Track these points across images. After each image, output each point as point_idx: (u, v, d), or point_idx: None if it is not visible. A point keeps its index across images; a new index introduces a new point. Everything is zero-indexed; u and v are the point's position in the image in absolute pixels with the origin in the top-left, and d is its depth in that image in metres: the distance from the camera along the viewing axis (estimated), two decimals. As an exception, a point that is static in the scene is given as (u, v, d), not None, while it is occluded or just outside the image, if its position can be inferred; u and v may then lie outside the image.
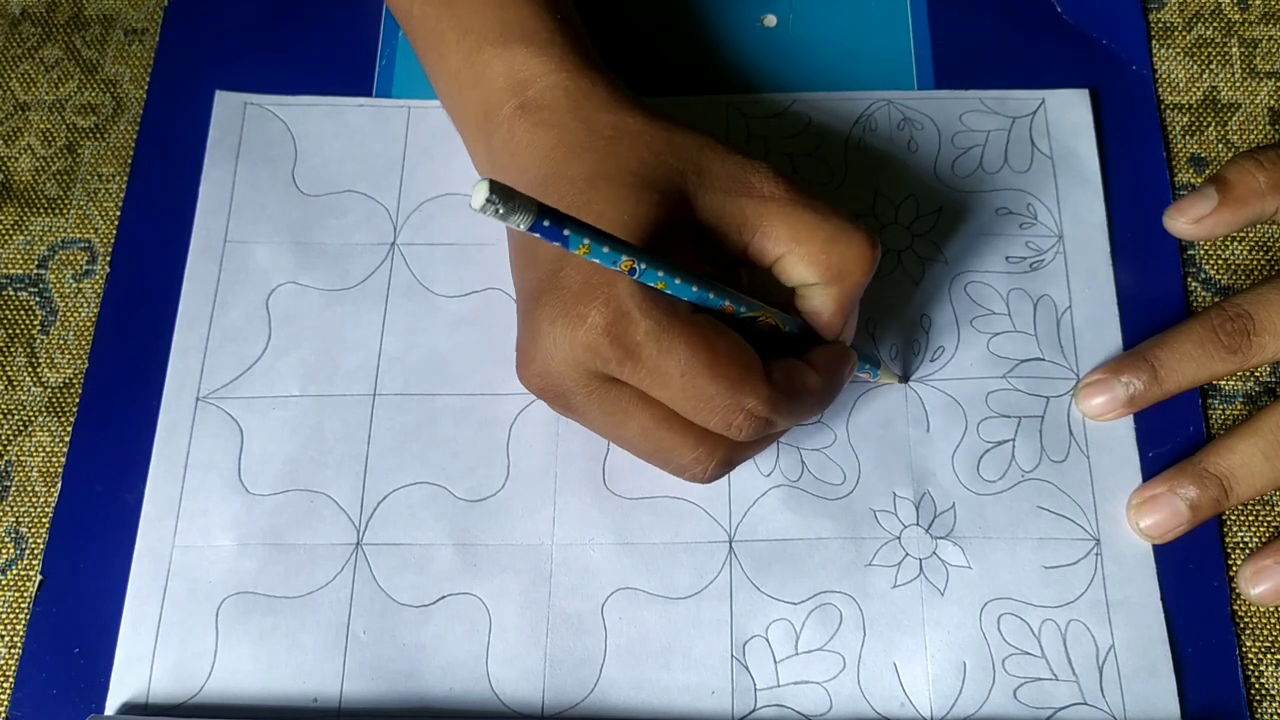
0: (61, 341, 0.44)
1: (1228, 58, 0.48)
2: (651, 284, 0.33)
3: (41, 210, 0.47)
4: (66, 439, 0.43)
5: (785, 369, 0.35)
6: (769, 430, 0.35)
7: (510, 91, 0.39)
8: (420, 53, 0.43)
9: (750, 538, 0.41)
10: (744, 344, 0.34)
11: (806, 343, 0.38)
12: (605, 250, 0.31)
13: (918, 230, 0.45)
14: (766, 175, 0.36)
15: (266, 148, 0.47)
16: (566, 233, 0.30)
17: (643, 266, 0.32)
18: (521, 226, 0.29)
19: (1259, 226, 0.45)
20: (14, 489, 0.42)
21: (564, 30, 0.40)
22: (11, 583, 0.41)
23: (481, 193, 0.28)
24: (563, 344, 0.34)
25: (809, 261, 0.36)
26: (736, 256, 0.37)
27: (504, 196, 0.28)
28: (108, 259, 0.45)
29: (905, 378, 0.43)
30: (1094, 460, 0.42)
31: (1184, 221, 0.43)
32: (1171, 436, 0.42)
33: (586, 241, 0.31)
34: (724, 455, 0.36)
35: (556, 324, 0.34)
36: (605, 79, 0.39)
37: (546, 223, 0.30)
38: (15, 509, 0.42)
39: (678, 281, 0.33)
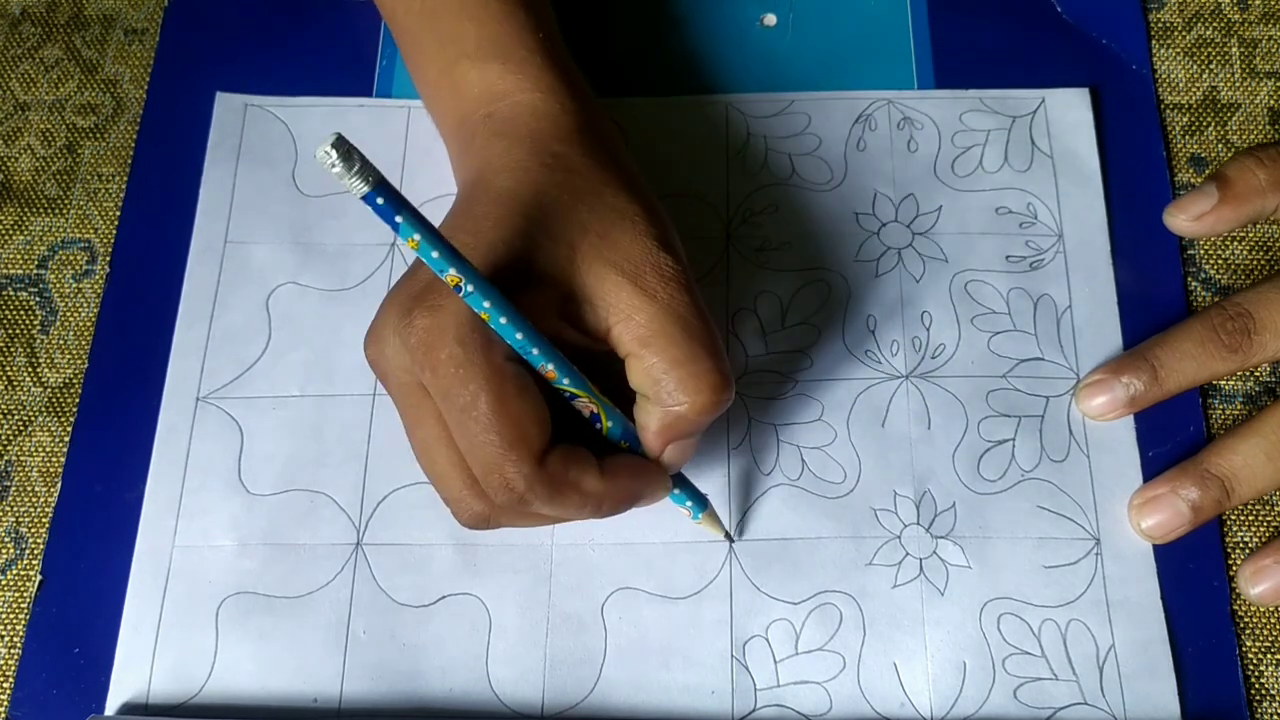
0: (61, 341, 0.44)
1: (1228, 58, 0.48)
2: (476, 309, 0.32)
3: (41, 210, 0.47)
4: (66, 439, 0.43)
5: (567, 457, 0.34)
6: (526, 508, 0.34)
7: (483, 102, 0.39)
8: (404, 58, 0.44)
9: (750, 537, 0.41)
10: (539, 412, 0.33)
11: (630, 450, 0.36)
12: (434, 255, 0.30)
13: (918, 229, 0.45)
14: (663, 274, 0.35)
15: (267, 148, 0.47)
16: (399, 219, 0.29)
17: (470, 288, 0.31)
18: (356, 193, 0.28)
19: (1259, 225, 0.45)
20: (14, 489, 0.42)
21: (543, 51, 0.40)
22: (11, 582, 0.41)
23: (325, 144, 0.27)
24: (389, 331, 0.34)
25: (647, 371, 0.34)
26: (599, 335, 0.35)
27: (344, 154, 0.27)
28: (108, 259, 0.45)
29: (731, 537, 0.41)
30: (1094, 460, 0.42)
31: (1184, 219, 0.43)
32: (1172, 436, 0.42)
33: (417, 236, 0.30)
34: (481, 510, 0.35)
35: (393, 310, 0.34)
36: (577, 106, 0.39)
37: (380, 200, 0.29)
38: (15, 509, 0.42)
39: (503, 321, 0.32)
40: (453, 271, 0.31)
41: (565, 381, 0.34)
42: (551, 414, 0.34)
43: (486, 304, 0.32)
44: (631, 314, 0.34)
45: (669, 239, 0.36)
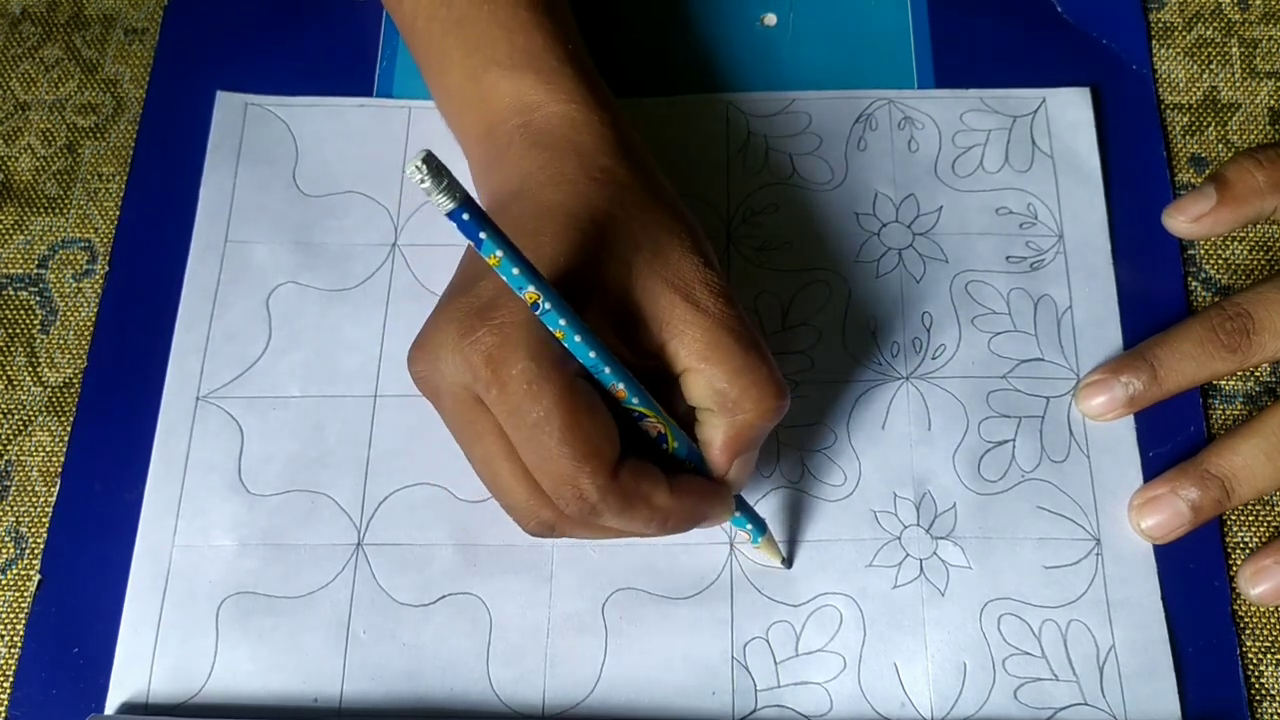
0: (61, 341, 0.44)
1: (1228, 58, 0.48)
2: (551, 327, 0.32)
3: (41, 210, 0.47)
4: (66, 439, 0.43)
5: (638, 472, 0.34)
6: (596, 519, 0.34)
7: (515, 112, 0.39)
8: (421, 65, 0.43)
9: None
10: (610, 429, 0.33)
11: (694, 471, 0.36)
12: (515, 272, 0.30)
13: (918, 229, 0.45)
14: (713, 289, 0.35)
15: (267, 148, 0.47)
16: (483, 235, 0.30)
17: (547, 306, 0.31)
18: (441, 209, 0.28)
19: (1259, 226, 0.45)
20: (14, 489, 0.42)
21: (574, 63, 0.40)
22: (11, 582, 0.41)
23: (416, 160, 0.27)
24: (449, 347, 0.34)
25: (710, 384, 0.35)
26: (652, 351, 0.35)
27: (434, 171, 0.27)
28: (108, 259, 0.45)
29: (789, 562, 0.40)
30: (1094, 460, 0.42)
31: (1183, 220, 0.43)
32: (1172, 436, 0.42)
33: (499, 254, 0.30)
34: (548, 518, 0.35)
35: (451, 326, 0.34)
36: (611, 118, 0.39)
37: (466, 215, 0.29)
38: (15, 509, 0.42)
39: (577, 339, 0.32)
40: (531, 289, 0.31)
41: (634, 401, 0.34)
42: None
43: (562, 322, 0.32)
44: (687, 329, 0.35)
45: (711, 255, 0.37)
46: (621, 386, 0.34)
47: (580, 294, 0.34)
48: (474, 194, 0.41)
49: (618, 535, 0.37)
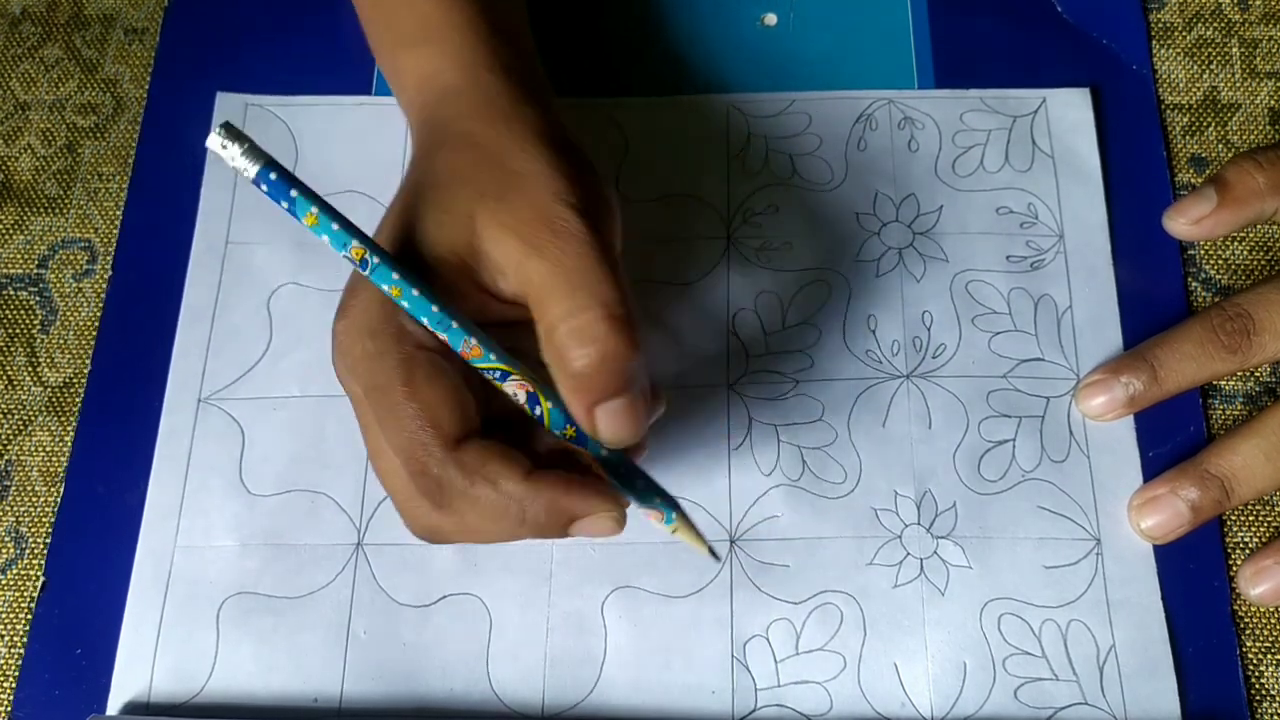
0: (62, 341, 0.44)
1: (1228, 58, 0.48)
2: (384, 284, 0.31)
3: (42, 210, 0.47)
4: (67, 439, 0.43)
5: (487, 451, 0.32)
6: (443, 500, 0.32)
7: (417, 90, 0.39)
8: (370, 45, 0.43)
9: (751, 537, 0.41)
10: (454, 398, 0.32)
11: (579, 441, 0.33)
12: (334, 228, 0.29)
13: (919, 229, 0.45)
14: (555, 230, 0.32)
15: (267, 148, 0.46)
16: (294, 193, 0.28)
17: (374, 261, 0.30)
18: (248, 175, 0.27)
19: (1259, 226, 0.45)
20: (14, 489, 0.42)
21: (470, 26, 0.38)
22: (12, 583, 0.41)
23: (216, 129, 0.27)
24: (332, 333, 0.34)
25: (544, 332, 0.32)
26: (519, 300, 0.33)
27: (233, 136, 0.27)
28: (108, 259, 0.45)
29: (715, 554, 0.36)
30: (1094, 460, 0.42)
31: (1183, 222, 0.43)
32: (1172, 436, 0.42)
33: (313, 210, 0.29)
34: (425, 521, 0.33)
35: (337, 313, 0.34)
36: (494, 78, 0.37)
37: (273, 175, 0.28)
38: (15, 509, 0.42)
39: (415, 293, 0.31)
40: (356, 244, 0.30)
41: (491, 358, 0.32)
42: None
43: (395, 276, 0.30)
44: (525, 274, 0.32)
45: (573, 195, 0.33)
46: (474, 342, 0.32)
47: (422, 259, 0.33)
48: None
49: (487, 536, 0.34)
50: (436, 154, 0.36)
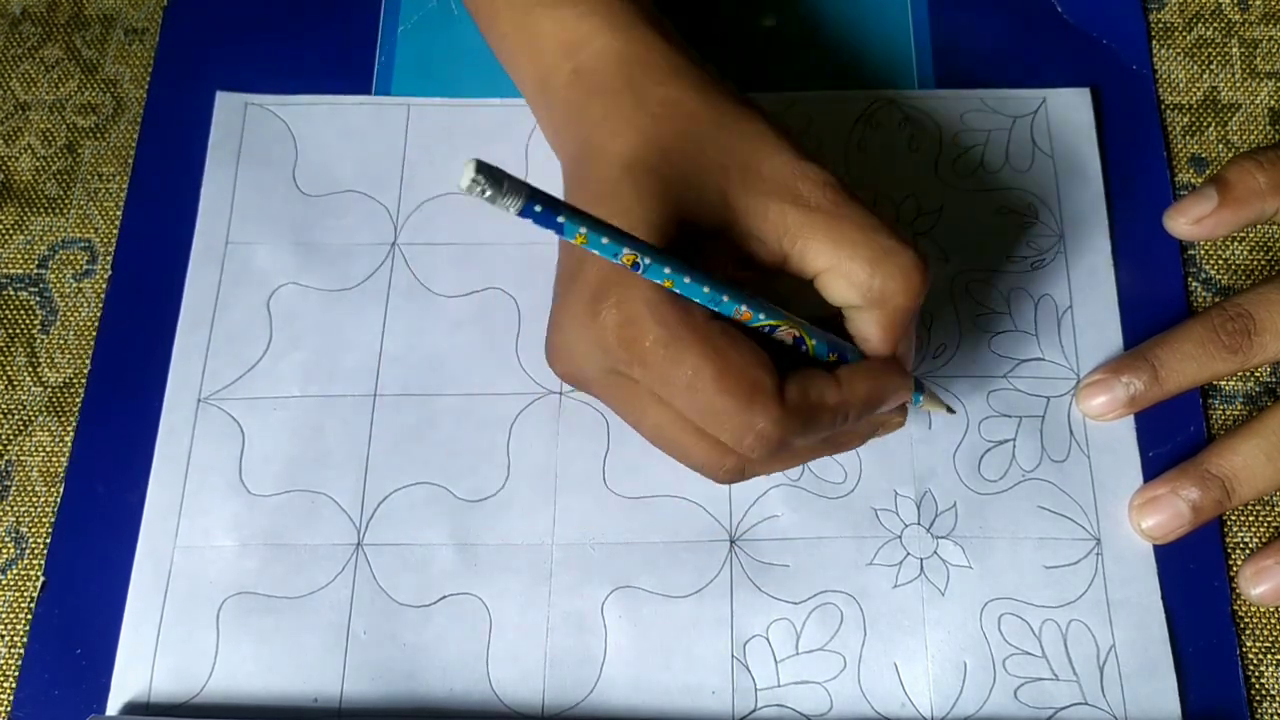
0: (62, 341, 0.44)
1: (1228, 58, 0.48)
2: (657, 280, 0.31)
3: (42, 210, 0.47)
4: (67, 439, 0.43)
5: (803, 382, 0.33)
6: (785, 449, 0.33)
7: (563, 56, 0.38)
8: (474, 15, 0.42)
9: (751, 537, 0.41)
10: (759, 358, 0.32)
11: (841, 362, 0.36)
12: (604, 241, 0.29)
13: (919, 229, 0.45)
14: (816, 181, 0.34)
15: (267, 148, 0.47)
16: (560, 219, 0.28)
17: (647, 262, 0.30)
18: (511, 211, 0.27)
19: (1259, 227, 0.45)
20: (14, 489, 0.42)
21: None
22: (12, 583, 0.41)
23: (469, 173, 0.26)
24: (577, 339, 0.34)
25: (849, 281, 0.33)
26: (777, 266, 0.34)
27: (491, 178, 0.26)
28: (108, 259, 0.45)
29: (951, 409, 0.41)
30: (1095, 460, 0.42)
31: (1184, 222, 0.43)
32: (1172, 436, 0.42)
33: (583, 230, 0.29)
34: (735, 464, 0.35)
35: (575, 318, 0.34)
36: (662, 41, 0.37)
37: (538, 208, 0.28)
38: (16, 509, 0.42)
39: (687, 281, 0.31)
40: (627, 251, 0.30)
41: (762, 316, 0.33)
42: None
43: (667, 270, 0.31)
44: (805, 233, 0.33)
45: (801, 146, 0.35)
46: (744, 308, 0.33)
47: (686, 240, 0.33)
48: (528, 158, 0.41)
49: (809, 457, 0.37)
50: (647, 125, 0.35)
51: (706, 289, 0.32)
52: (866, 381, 0.34)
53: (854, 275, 0.33)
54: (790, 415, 0.32)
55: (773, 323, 0.33)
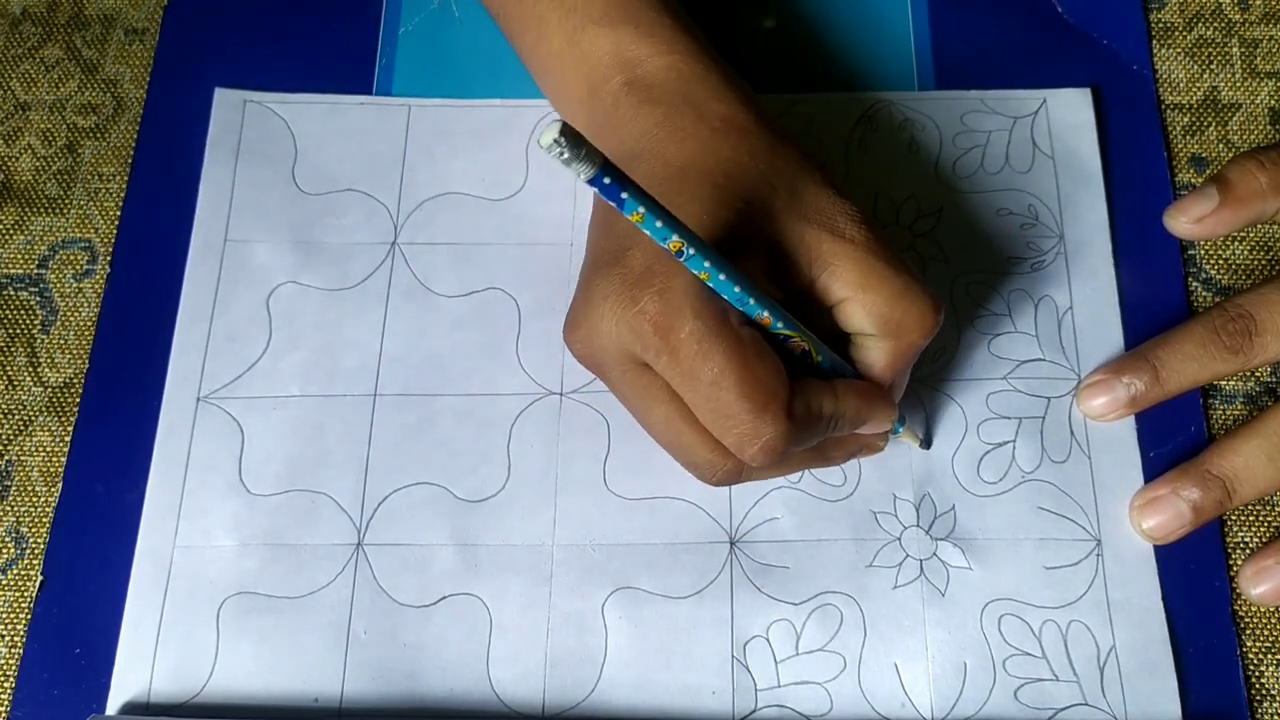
0: (62, 341, 0.44)
1: (1228, 58, 0.48)
2: (696, 271, 0.32)
3: (42, 210, 0.47)
4: (67, 439, 0.43)
5: (805, 396, 0.35)
6: (783, 459, 0.35)
7: (617, 69, 0.39)
8: (515, 33, 0.43)
9: (751, 538, 0.41)
10: (779, 371, 0.34)
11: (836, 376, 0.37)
12: (658, 225, 0.31)
13: (919, 230, 0.45)
14: (852, 218, 0.36)
15: (266, 145, 0.47)
16: (624, 195, 0.30)
17: (691, 251, 0.32)
18: (582, 176, 0.29)
19: (1260, 226, 0.45)
20: (14, 489, 0.42)
21: (671, 13, 0.40)
22: (12, 582, 0.41)
23: (551, 133, 0.27)
24: (610, 320, 0.34)
25: (869, 311, 0.36)
26: (802, 288, 0.36)
27: (572, 141, 0.28)
28: (108, 259, 0.45)
29: (927, 443, 0.42)
30: (1095, 461, 0.42)
31: (1185, 221, 0.43)
32: (1172, 437, 0.42)
33: (642, 210, 0.30)
34: (734, 466, 0.36)
35: (610, 299, 0.34)
36: (719, 66, 0.39)
37: (607, 180, 0.29)
38: (15, 509, 0.42)
39: (722, 277, 0.33)
40: (675, 238, 0.31)
41: (779, 325, 0.35)
42: None
43: (707, 264, 0.32)
44: (837, 261, 0.35)
45: (839, 184, 0.37)
46: (767, 315, 0.34)
47: (730, 247, 0.34)
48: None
49: (797, 468, 0.39)
50: (707, 137, 0.37)
51: (738, 289, 0.33)
52: (859, 399, 0.36)
53: (876, 307, 0.36)
54: (794, 428, 0.34)
55: (788, 333, 0.35)
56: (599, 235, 0.37)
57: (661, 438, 0.37)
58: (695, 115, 0.37)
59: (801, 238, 0.35)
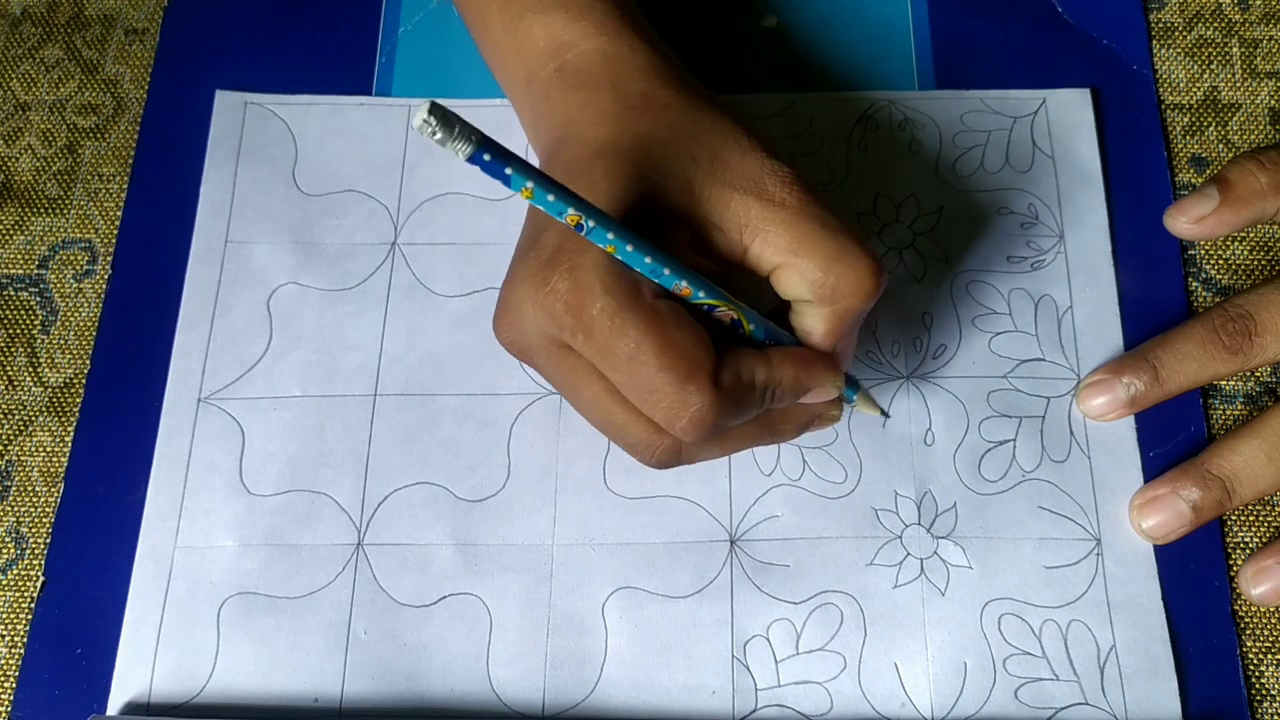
0: (62, 341, 0.44)
1: (1228, 58, 0.48)
2: (601, 244, 0.32)
3: (42, 210, 0.47)
4: (67, 439, 0.43)
5: (735, 362, 0.34)
6: (718, 431, 0.34)
7: (550, 55, 0.39)
8: (467, 23, 0.44)
9: (751, 537, 0.41)
10: (701, 339, 0.33)
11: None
12: (550, 198, 0.30)
13: (919, 229, 0.45)
14: (781, 179, 0.35)
15: (267, 146, 0.47)
16: (509, 171, 0.29)
17: (591, 224, 0.31)
18: (460, 155, 0.28)
19: (1260, 226, 0.45)
20: (15, 489, 0.42)
21: None
22: (13, 583, 0.41)
23: (421, 113, 0.27)
24: (528, 304, 0.34)
25: (803, 277, 0.34)
26: (735, 258, 0.35)
27: (443, 120, 0.27)
28: (108, 259, 0.45)
29: (885, 413, 0.42)
30: (1095, 460, 0.42)
31: (1185, 221, 0.43)
32: (1172, 436, 0.42)
33: (530, 184, 0.30)
34: (671, 444, 0.35)
35: (526, 283, 0.34)
36: (646, 46, 0.39)
37: (487, 156, 0.28)
38: (16, 509, 0.42)
39: (629, 249, 0.32)
40: (571, 211, 0.31)
41: (701, 295, 0.34)
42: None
43: (610, 235, 0.31)
44: (767, 227, 0.34)
45: (770, 147, 0.36)
46: (684, 284, 0.33)
47: (648, 223, 0.34)
48: (528, 151, 0.42)
49: (743, 444, 0.37)
50: (625, 115, 0.36)
51: (649, 259, 0.32)
52: (794, 365, 0.35)
53: (809, 271, 0.34)
54: (724, 397, 0.33)
55: (712, 302, 0.34)
56: (525, 223, 0.37)
57: (594, 419, 0.36)
58: (614, 95, 0.37)
59: (729, 205, 0.34)
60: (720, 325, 0.35)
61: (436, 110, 0.27)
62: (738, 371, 0.34)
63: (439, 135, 0.27)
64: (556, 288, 0.33)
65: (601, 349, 0.33)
